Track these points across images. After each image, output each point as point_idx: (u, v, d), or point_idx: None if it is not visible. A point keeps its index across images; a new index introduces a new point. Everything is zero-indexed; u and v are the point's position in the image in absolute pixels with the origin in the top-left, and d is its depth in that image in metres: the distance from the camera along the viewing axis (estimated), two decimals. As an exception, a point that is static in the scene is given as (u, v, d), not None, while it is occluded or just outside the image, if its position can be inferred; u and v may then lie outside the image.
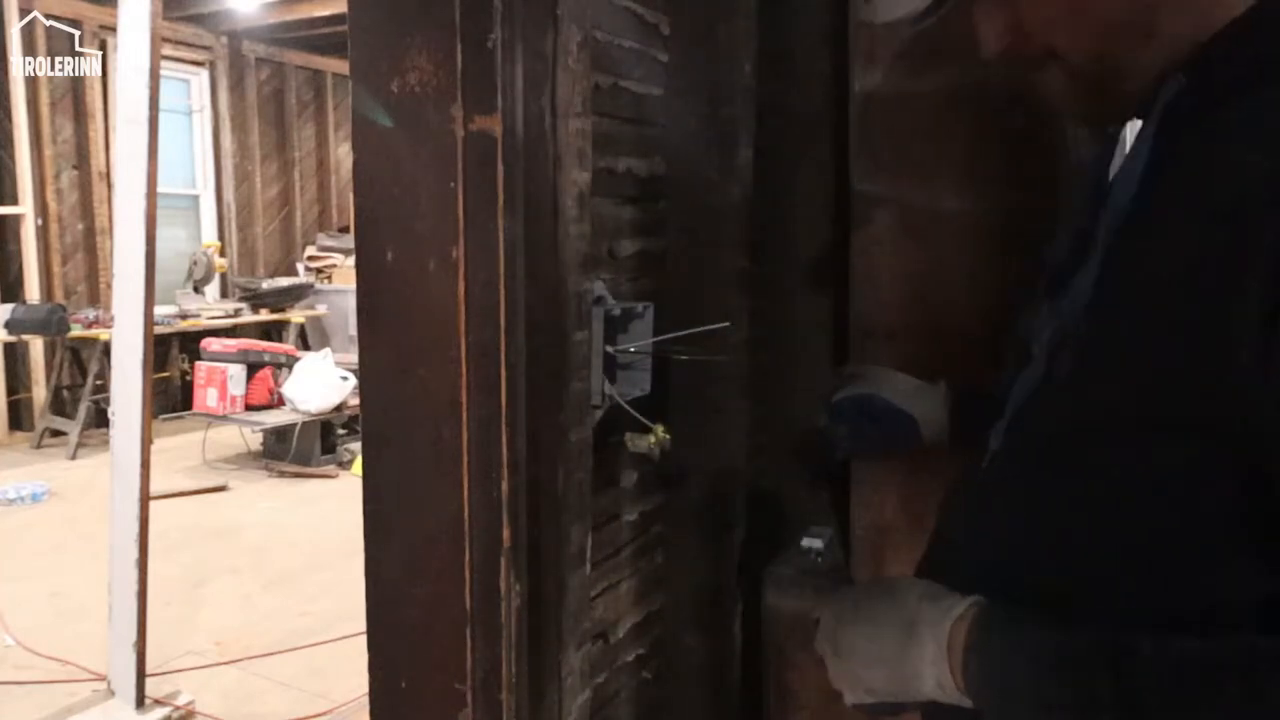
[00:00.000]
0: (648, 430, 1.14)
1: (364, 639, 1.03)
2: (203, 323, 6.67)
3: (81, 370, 6.24)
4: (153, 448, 2.76)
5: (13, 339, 5.91)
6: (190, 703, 2.88)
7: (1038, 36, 0.69)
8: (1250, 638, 0.58)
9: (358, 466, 2.03)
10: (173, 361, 7.05)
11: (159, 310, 4.47)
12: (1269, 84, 0.61)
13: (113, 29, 3.74)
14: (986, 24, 0.71)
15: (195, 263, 7.04)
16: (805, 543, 1.40)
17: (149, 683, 2.80)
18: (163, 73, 2.80)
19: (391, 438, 0.99)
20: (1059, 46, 0.68)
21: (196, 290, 7.05)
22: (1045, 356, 0.73)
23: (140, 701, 2.75)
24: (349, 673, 2.99)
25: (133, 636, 2.69)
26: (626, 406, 1.12)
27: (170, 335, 6.65)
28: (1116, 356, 0.64)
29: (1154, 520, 0.63)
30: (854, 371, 1.16)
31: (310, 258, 8.37)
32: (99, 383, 5.79)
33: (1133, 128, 0.73)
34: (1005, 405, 0.79)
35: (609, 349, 1.11)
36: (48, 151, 6.40)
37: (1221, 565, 0.61)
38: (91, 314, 6.10)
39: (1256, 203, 0.56)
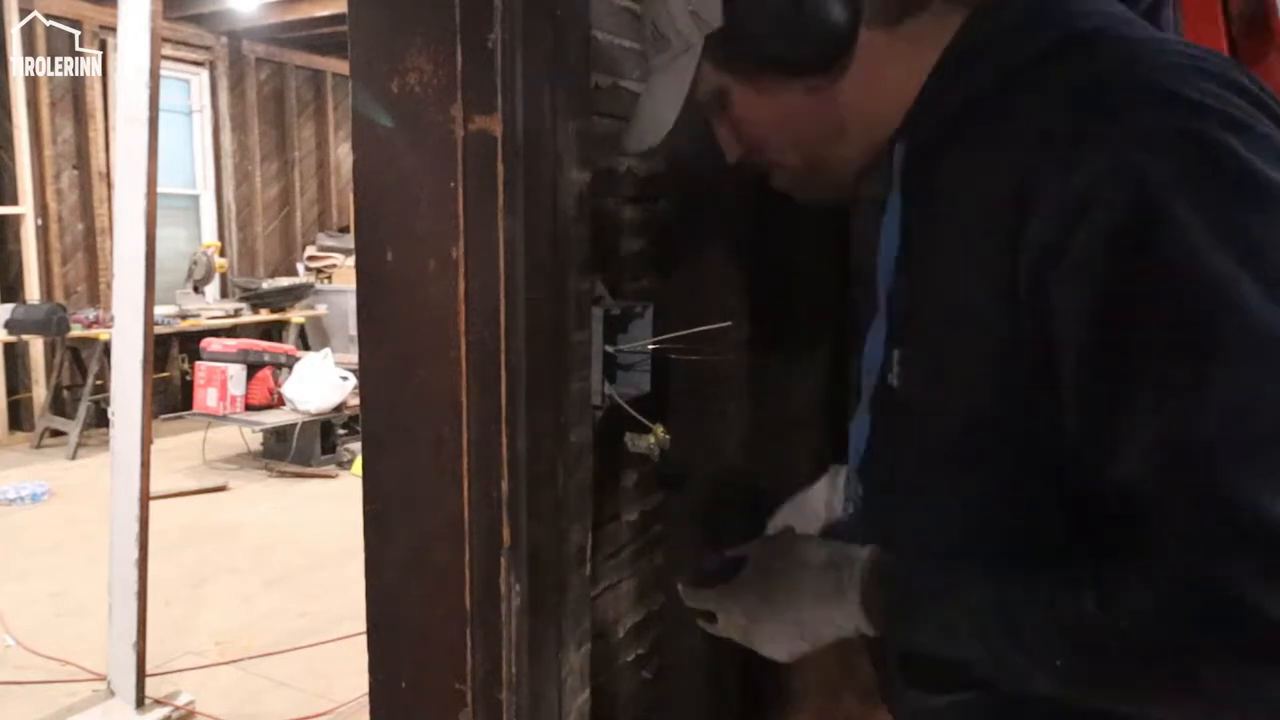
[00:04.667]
0: (648, 430, 1.14)
1: (364, 639, 1.03)
2: (203, 323, 6.68)
3: (81, 370, 6.24)
4: (153, 448, 2.77)
5: (13, 339, 5.92)
6: (190, 703, 2.88)
7: (758, 150, 0.86)
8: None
9: (358, 466, 2.03)
10: (173, 361, 7.06)
11: (159, 310, 4.48)
12: (995, 105, 0.69)
13: (113, 29, 3.74)
14: (721, 141, 0.88)
15: (195, 263, 7.04)
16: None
17: (149, 683, 2.80)
18: (163, 73, 2.80)
19: (391, 438, 0.99)
20: (774, 157, 0.86)
21: (196, 290, 7.05)
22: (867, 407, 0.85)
23: (140, 701, 2.75)
24: (349, 673, 2.99)
25: (133, 636, 2.69)
26: (626, 407, 1.12)
27: (170, 335, 6.66)
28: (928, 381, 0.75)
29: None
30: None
31: (310, 258, 8.38)
32: (99, 383, 5.79)
33: None
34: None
35: (609, 349, 1.10)
36: (48, 151, 6.40)
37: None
38: (91, 314, 6.10)
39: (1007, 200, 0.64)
